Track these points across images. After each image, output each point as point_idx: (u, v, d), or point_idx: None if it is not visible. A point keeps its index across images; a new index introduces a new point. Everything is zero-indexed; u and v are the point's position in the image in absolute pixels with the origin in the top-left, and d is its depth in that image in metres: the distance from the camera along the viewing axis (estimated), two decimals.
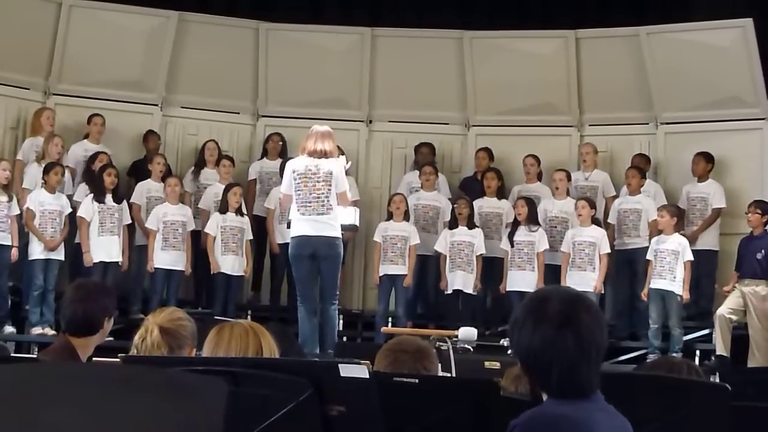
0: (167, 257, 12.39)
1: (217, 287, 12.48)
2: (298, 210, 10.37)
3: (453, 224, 12.72)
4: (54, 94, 13.63)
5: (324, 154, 10.37)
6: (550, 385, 3.29)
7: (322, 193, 10.30)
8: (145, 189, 12.85)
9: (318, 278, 10.59)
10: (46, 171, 12.00)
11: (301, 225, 10.37)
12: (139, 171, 13.34)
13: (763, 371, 8.97)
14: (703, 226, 12.79)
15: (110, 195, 12.15)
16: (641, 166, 13.09)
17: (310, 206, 10.32)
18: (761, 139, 13.21)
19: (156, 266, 12.37)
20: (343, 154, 11.21)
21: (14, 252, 11.80)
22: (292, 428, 3.32)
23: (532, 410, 3.28)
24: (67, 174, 12.54)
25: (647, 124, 13.91)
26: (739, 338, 11.61)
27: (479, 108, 14.28)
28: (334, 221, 10.38)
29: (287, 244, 12.52)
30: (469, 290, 12.52)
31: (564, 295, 3.38)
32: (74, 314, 5.51)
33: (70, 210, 12.14)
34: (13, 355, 8.29)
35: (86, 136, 13.25)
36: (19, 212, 11.87)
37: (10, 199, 11.82)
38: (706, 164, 12.96)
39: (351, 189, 11.10)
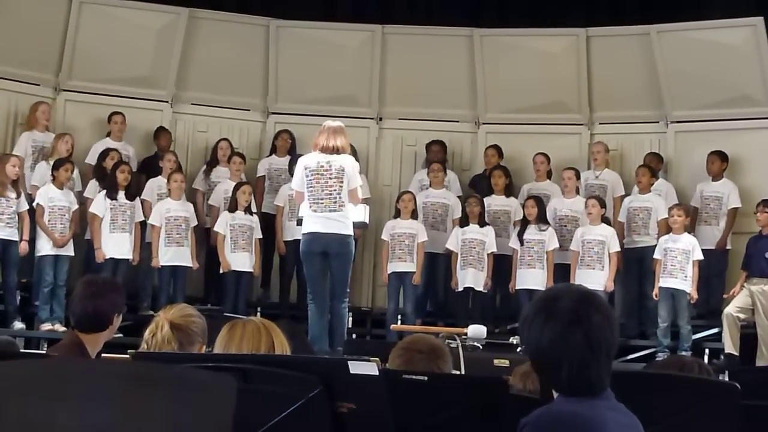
0: (170, 253, 12.39)
1: (227, 284, 12.48)
2: (310, 207, 10.35)
3: (464, 222, 12.72)
4: (64, 90, 13.64)
5: (336, 151, 10.36)
6: (560, 382, 3.29)
7: (334, 190, 10.29)
8: (156, 186, 12.85)
9: (328, 276, 10.60)
10: (56, 167, 12.02)
11: (312, 222, 10.36)
12: (149, 168, 13.35)
13: None
14: (726, 229, 12.78)
15: (122, 192, 12.17)
16: (653, 164, 13.07)
17: (321, 203, 10.31)
18: None
19: (160, 263, 12.37)
20: (355, 154, 11.19)
21: (23, 246, 11.81)
22: (302, 425, 3.33)
23: (542, 408, 3.28)
24: (76, 171, 12.55)
25: (657, 122, 13.89)
26: (748, 337, 11.61)
27: (489, 106, 14.27)
28: (345, 218, 10.37)
29: (296, 241, 12.56)
30: (480, 288, 12.52)
31: (575, 293, 3.37)
32: (84, 311, 5.52)
33: (77, 206, 12.15)
34: (22, 351, 8.31)
35: (108, 134, 13.26)
36: (27, 208, 11.88)
37: (19, 196, 11.84)
38: (721, 163, 12.95)
39: (362, 187, 11.09)
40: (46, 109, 12.99)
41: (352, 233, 10.51)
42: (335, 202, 10.30)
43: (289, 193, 12.84)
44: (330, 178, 10.31)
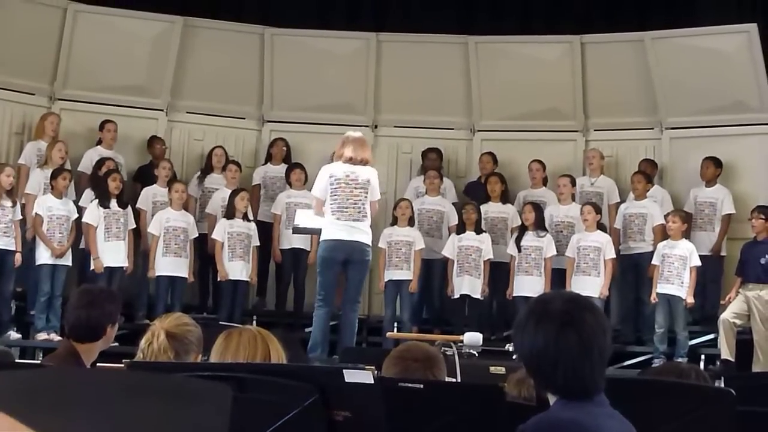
0: (169, 263, 12.36)
1: (223, 293, 12.47)
2: (333, 215, 10.44)
3: (461, 229, 12.72)
4: (59, 99, 13.64)
5: (364, 162, 10.50)
6: (556, 384, 3.29)
7: (359, 200, 10.42)
8: (151, 194, 12.84)
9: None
10: (54, 176, 12.01)
11: (335, 229, 10.45)
12: (144, 176, 13.34)
13: (767, 376, 8.96)
14: (721, 235, 12.80)
15: (115, 200, 12.15)
16: (648, 171, 13.10)
17: (346, 212, 10.42)
18: (766, 144, 13.21)
19: (157, 273, 12.34)
20: None
21: (18, 257, 11.80)
22: None
23: (540, 414, 3.29)
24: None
25: (652, 129, 13.92)
26: (744, 343, 11.62)
27: (484, 113, 14.28)
28: (368, 228, 10.55)
29: (293, 249, 12.58)
30: (477, 295, 12.52)
31: (566, 296, 3.43)
32: (77, 320, 5.51)
33: (77, 215, 12.14)
34: (18, 360, 8.30)
35: (99, 142, 13.25)
36: (21, 217, 11.88)
37: (14, 204, 11.83)
38: (715, 169, 12.96)
39: None
40: (55, 120, 12.99)
41: (370, 243, 10.65)
42: (359, 212, 10.44)
43: (287, 201, 12.87)
44: (356, 188, 10.44)
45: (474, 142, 14.37)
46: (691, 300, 11.90)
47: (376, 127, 14.45)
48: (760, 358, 11.52)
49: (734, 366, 11.41)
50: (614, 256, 12.32)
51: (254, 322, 12.12)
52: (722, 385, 5.73)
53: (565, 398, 3.29)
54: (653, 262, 12.15)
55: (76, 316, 5.53)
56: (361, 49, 14.38)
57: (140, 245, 12.64)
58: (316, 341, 10.56)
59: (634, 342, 12.61)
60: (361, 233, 10.48)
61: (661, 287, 11.96)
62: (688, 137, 13.64)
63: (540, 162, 13.47)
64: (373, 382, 3.34)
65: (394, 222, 12.73)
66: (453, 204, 13.36)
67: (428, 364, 4.64)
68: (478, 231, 12.66)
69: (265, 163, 13.84)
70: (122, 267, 12.15)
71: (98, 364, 5.46)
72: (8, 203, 11.77)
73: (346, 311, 10.79)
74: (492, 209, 13.16)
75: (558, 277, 12.41)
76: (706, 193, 12.97)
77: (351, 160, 10.48)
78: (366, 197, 10.46)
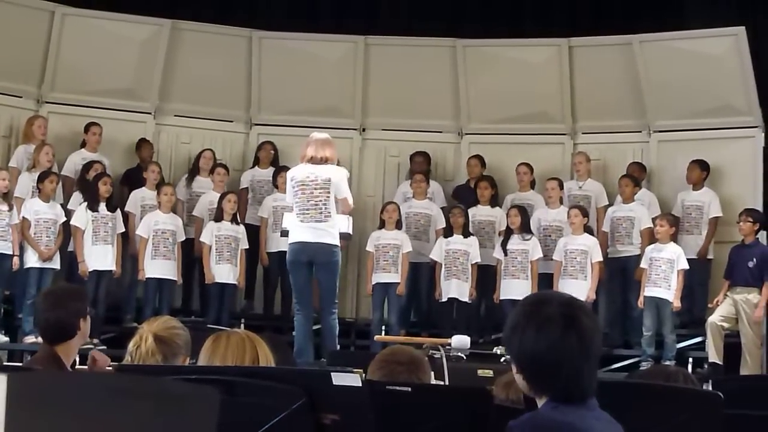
0: (157, 266, 12.33)
1: (211, 296, 12.46)
2: (297, 217, 10.43)
3: (448, 233, 12.72)
4: (47, 102, 13.60)
5: (324, 161, 10.44)
6: (557, 387, 3.27)
7: (320, 201, 10.36)
8: (140, 197, 12.80)
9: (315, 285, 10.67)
10: (41, 179, 11.98)
11: (299, 231, 10.42)
12: (132, 179, 13.30)
13: (755, 379, 8.98)
14: (708, 238, 12.80)
15: (104, 204, 12.12)
16: (636, 174, 13.10)
17: (308, 213, 10.37)
18: (754, 147, 13.21)
19: (147, 276, 12.31)
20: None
21: (15, 261, 11.76)
22: None
23: (531, 413, 3.28)
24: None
25: (640, 132, 13.91)
26: (732, 346, 11.64)
27: (472, 116, 14.28)
28: (332, 228, 10.44)
29: (280, 252, 12.53)
30: (465, 299, 12.53)
31: (560, 298, 3.39)
32: (46, 323, 5.52)
33: (65, 219, 12.10)
34: (6, 363, 8.28)
35: (83, 145, 13.21)
36: (18, 221, 11.84)
37: (11, 209, 11.78)
38: (701, 172, 12.97)
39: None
40: (43, 123, 12.94)
41: (338, 243, 10.56)
42: (321, 213, 10.36)
43: (274, 204, 12.85)
44: (316, 189, 10.38)
45: (462, 145, 14.36)
46: (678, 303, 11.92)
47: (364, 130, 14.44)
48: (748, 361, 11.55)
49: (722, 369, 11.43)
50: (601, 259, 12.34)
51: (242, 325, 12.12)
52: (710, 388, 5.73)
53: (558, 401, 3.28)
54: (641, 265, 12.18)
55: (44, 320, 5.54)
56: (349, 52, 14.37)
57: (128, 248, 12.60)
58: (301, 347, 10.53)
59: (621, 345, 12.62)
60: (326, 234, 10.40)
61: (649, 290, 11.98)
62: (675, 140, 13.64)
63: (528, 165, 13.47)
64: (361, 385, 3.33)
65: (382, 225, 12.74)
66: (442, 207, 13.36)
67: (413, 368, 4.64)
68: (466, 234, 12.67)
69: (253, 166, 13.83)
70: (110, 270, 12.12)
71: (77, 366, 5.44)
72: (4, 207, 11.75)
73: (324, 316, 10.73)
74: (480, 212, 13.17)
75: (546, 280, 12.42)
76: (693, 197, 12.99)
77: (312, 159, 10.46)
78: (328, 197, 10.38)
